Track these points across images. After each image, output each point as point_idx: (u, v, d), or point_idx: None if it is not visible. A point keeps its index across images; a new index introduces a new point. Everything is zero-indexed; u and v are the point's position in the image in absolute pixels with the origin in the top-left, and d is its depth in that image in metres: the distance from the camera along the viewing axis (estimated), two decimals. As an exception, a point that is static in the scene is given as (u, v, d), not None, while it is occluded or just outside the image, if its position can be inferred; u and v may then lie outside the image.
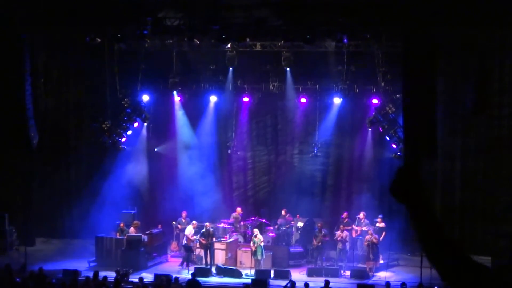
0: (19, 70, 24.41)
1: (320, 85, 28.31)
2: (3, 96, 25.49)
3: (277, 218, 27.79)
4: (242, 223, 27.28)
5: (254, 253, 24.65)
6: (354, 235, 26.09)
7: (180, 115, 29.67)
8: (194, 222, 26.22)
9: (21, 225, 27.95)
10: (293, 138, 29.72)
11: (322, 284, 21.18)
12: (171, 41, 27.16)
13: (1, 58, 24.95)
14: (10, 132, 25.95)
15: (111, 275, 21.29)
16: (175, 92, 28.86)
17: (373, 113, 26.86)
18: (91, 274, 21.32)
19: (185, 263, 25.23)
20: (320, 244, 25.33)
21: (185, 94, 29.22)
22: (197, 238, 25.67)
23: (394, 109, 26.00)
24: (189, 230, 25.82)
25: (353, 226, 26.38)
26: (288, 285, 20.85)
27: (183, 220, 26.98)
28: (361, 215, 26.53)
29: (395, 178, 3.23)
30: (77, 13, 25.31)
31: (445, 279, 3.13)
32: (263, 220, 27.49)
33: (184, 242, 25.89)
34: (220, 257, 25.41)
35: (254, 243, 24.69)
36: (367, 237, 24.79)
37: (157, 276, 22.48)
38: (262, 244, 24.88)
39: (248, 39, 26.55)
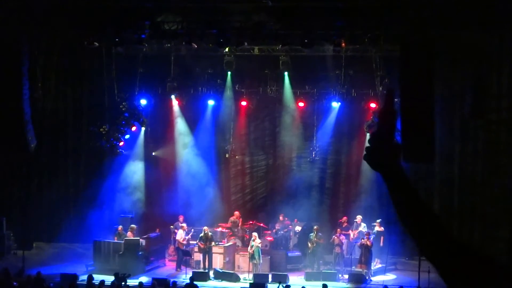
0: (17, 74, 24.39)
1: (318, 89, 28.35)
2: (1, 100, 25.46)
3: (275, 222, 27.81)
4: (240, 226, 27.31)
5: (251, 257, 24.64)
6: (351, 239, 26.09)
7: (178, 119, 29.66)
8: (183, 225, 26.28)
9: (18, 229, 27.91)
10: (291, 142, 29.67)
11: (320, 288, 21.20)
12: (169, 45, 27.18)
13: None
14: (8, 136, 25.93)
15: (109, 279, 21.27)
16: (173, 96, 28.90)
17: (371, 117, 26.88)
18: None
19: (181, 265, 25.27)
20: (315, 246, 25.36)
21: (183, 98, 29.22)
22: (189, 239, 25.73)
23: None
24: (180, 234, 25.86)
25: (350, 230, 26.38)
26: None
27: (180, 224, 26.95)
28: (358, 218, 26.56)
29: (371, 143, 3.11)
30: (75, 17, 25.30)
31: (425, 254, 3.02)
32: (261, 224, 27.49)
33: (176, 246, 25.96)
34: (218, 261, 25.40)
35: (252, 246, 24.69)
36: (363, 240, 24.81)
37: (154, 280, 22.47)
38: (260, 245, 24.89)
39: (246, 43, 26.55)
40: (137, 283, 21.71)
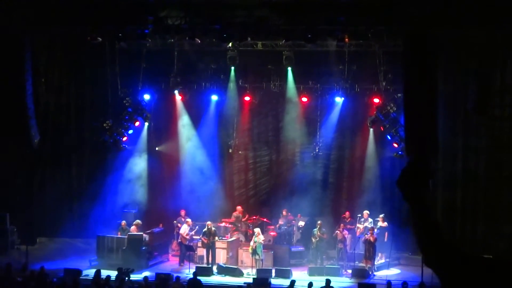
0: (20, 69, 24.44)
1: (321, 84, 28.29)
2: (4, 96, 25.51)
3: (278, 217, 27.81)
4: (243, 220, 27.32)
5: (253, 252, 24.62)
6: (358, 233, 26.07)
7: (181, 114, 29.64)
8: (188, 220, 26.27)
9: (22, 224, 27.95)
10: (295, 138, 29.64)
11: (323, 283, 21.18)
12: (172, 40, 27.15)
13: (2, 57, 24.98)
14: (11, 131, 25.99)
15: (113, 274, 21.28)
16: (176, 91, 28.84)
17: (375, 112, 26.87)
18: (92, 273, 21.38)
19: (184, 260, 25.29)
20: (318, 240, 25.37)
21: (187, 93, 29.17)
22: (192, 235, 25.77)
23: (395, 108, 26.00)
24: (184, 228, 25.88)
25: (358, 224, 26.37)
26: None
27: (182, 219, 26.94)
28: (365, 214, 26.50)
29: (405, 171, 3.26)
30: (79, 12, 25.31)
31: (442, 278, 3.15)
32: (265, 219, 27.51)
33: (179, 240, 25.98)
34: (221, 256, 25.42)
35: (255, 242, 24.68)
36: (366, 235, 24.82)
37: (158, 275, 22.49)
38: (263, 242, 24.89)
39: (249, 38, 26.56)
40: (141, 278, 21.70)
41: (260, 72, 29.00)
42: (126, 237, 25.34)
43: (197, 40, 26.25)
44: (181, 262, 25.56)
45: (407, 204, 3.34)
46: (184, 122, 29.72)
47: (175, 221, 27.29)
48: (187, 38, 26.36)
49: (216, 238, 25.54)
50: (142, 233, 25.71)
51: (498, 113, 26.14)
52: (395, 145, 26.42)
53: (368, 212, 26.50)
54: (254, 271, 24.16)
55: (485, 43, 25.93)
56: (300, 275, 23.91)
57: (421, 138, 21.85)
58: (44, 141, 27.34)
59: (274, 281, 23.03)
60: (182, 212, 27.26)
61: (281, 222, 27.32)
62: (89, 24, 26.02)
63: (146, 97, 28.56)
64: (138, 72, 27.97)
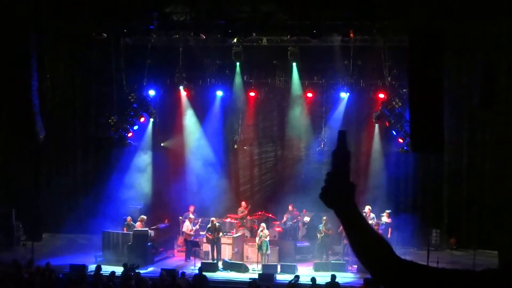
0: (25, 65, 24.42)
1: (326, 80, 28.28)
2: (10, 92, 25.51)
3: (283, 212, 27.81)
4: (249, 217, 27.32)
5: (259, 248, 24.65)
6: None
7: (186, 110, 29.65)
8: (191, 216, 26.28)
9: (28, 220, 28.01)
10: (300, 133, 29.64)
11: (329, 279, 21.16)
12: (177, 36, 27.15)
13: (7, 53, 24.97)
14: (17, 127, 26.01)
15: (118, 270, 21.30)
16: (181, 87, 28.88)
17: (380, 108, 26.86)
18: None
19: (190, 256, 25.31)
20: (323, 235, 25.37)
21: (192, 89, 29.21)
22: (197, 229, 25.80)
23: (400, 104, 25.98)
24: (186, 225, 25.91)
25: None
26: (293, 280, 20.87)
27: (190, 216, 26.93)
28: (367, 209, 26.43)
29: (326, 184, 3.19)
30: (84, 8, 25.31)
31: (380, 281, 3.08)
32: (270, 215, 27.50)
33: (184, 237, 26.03)
34: (226, 252, 25.43)
35: (260, 237, 24.69)
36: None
37: (163, 271, 22.51)
38: (268, 238, 24.89)
39: (254, 34, 26.53)
40: (148, 272, 21.72)
41: (265, 68, 28.99)
42: (131, 233, 25.34)
43: (202, 35, 26.23)
44: (187, 257, 25.59)
45: (338, 217, 3.21)
46: (189, 117, 29.73)
47: (180, 217, 27.31)
48: (192, 33, 26.35)
49: (221, 233, 25.56)
50: (147, 228, 25.72)
51: (504, 109, 26.08)
52: (400, 140, 26.41)
53: (370, 207, 26.39)
54: (260, 266, 24.18)
55: (491, 37, 25.87)
56: (305, 271, 23.91)
57: (421, 134, 21.69)
58: (49, 137, 27.31)
59: (279, 276, 23.03)
60: (191, 208, 27.20)
61: (285, 217, 27.33)
62: (94, 20, 26.01)
63: (151, 93, 28.59)
64: (143, 68, 27.98)
